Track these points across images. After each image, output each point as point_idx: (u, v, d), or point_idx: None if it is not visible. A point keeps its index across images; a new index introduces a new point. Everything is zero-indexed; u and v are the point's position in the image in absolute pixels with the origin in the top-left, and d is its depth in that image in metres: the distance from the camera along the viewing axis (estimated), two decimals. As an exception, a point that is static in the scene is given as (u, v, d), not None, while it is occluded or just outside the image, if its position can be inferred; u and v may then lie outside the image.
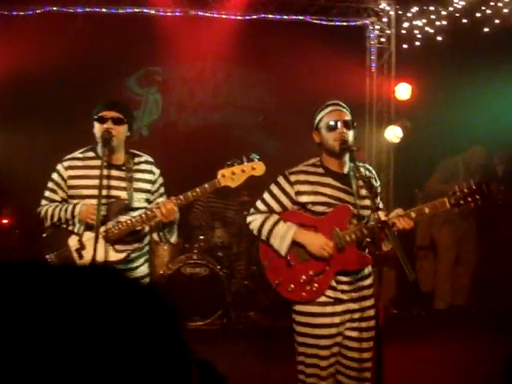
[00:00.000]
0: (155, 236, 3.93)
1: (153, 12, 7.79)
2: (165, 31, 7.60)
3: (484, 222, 7.57)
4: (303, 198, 3.64)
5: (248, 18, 7.99)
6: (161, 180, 4.01)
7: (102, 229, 3.68)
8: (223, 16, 7.94)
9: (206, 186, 3.70)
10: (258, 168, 3.73)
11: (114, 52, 7.68)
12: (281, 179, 3.69)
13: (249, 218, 3.75)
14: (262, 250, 3.75)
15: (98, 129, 3.80)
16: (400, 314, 7.19)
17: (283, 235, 3.59)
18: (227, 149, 7.66)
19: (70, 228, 3.82)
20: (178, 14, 7.82)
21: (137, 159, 3.96)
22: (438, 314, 7.42)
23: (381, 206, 3.67)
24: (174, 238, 3.96)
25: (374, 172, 3.85)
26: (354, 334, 3.65)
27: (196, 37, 7.68)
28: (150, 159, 4.02)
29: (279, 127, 8.29)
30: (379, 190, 3.84)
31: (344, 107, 3.73)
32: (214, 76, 8.41)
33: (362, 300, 3.66)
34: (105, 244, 3.73)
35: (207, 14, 7.90)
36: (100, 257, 3.71)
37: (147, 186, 3.93)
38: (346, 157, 3.65)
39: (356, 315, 3.65)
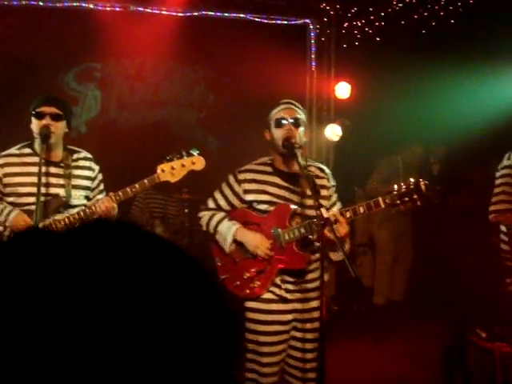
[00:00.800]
0: None
1: (91, 6, 7.62)
2: (104, 26, 7.44)
3: (420, 221, 7.76)
4: (249, 197, 3.69)
5: (188, 14, 7.93)
6: (100, 177, 3.96)
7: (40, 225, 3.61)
8: (164, 12, 7.86)
9: (146, 181, 3.69)
10: (197, 162, 3.75)
11: (51, 47, 7.48)
12: (230, 178, 3.74)
13: (199, 214, 3.82)
14: (214, 246, 3.78)
15: (35, 125, 3.72)
16: (340, 311, 7.29)
17: (226, 233, 3.64)
18: (168, 146, 7.55)
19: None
20: (117, 9, 7.69)
21: (75, 155, 3.89)
22: (377, 310, 7.58)
23: (338, 205, 3.71)
24: None
25: (327, 171, 3.86)
26: (298, 334, 3.69)
27: (136, 33, 7.56)
28: (89, 155, 3.96)
29: (220, 125, 8.27)
30: (334, 189, 3.85)
31: (297, 106, 3.75)
32: (154, 73, 8.30)
33: (307, 301, 3.69)
34: None
35: (147, 10, 7.80)
36: None
37: (86, 183, 3.87)
38: (298, 155, 3.63)
39: (301, 316, 3.68)
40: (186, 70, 8.43)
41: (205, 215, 3.76)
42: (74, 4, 7.53)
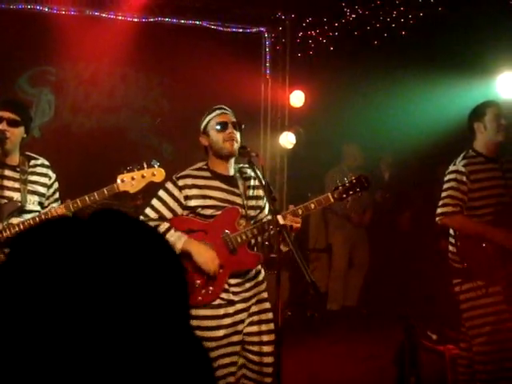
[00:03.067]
0: None
1: (46, 10, 7.55)
2: (59, 30, 7.37)
3: (375, 228, 7.94)
4: (192, 203, 3.68)
5: (144, 20, 7.93)
6: (56, 185, 3.96)
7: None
8: (119, 17, 7.84)
9: (105, 190, 3.70)
10: (158, 174, 3.77)
11: (3, 50, 7.38)
12: (169, 185, 3.71)
13: None
14: None
15: None
16: (294, 316, 7.37)
17: (173, 244, 3.57)
18: (122, 152, 7.58)
19: None
20: (72, 13, 7.63)
21: (32, 162, 3.89)
22: (331, 315, 7.69)
23: (300, 211, 3.75)
24: None
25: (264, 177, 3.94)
26: (254, 338, 3.74)
27: (91, 37, 7.52)
28: (47, 163, 3.96)
29: (174, 131, 8.28)
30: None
31: (230, 112, 3.85)
32: (109, 78, 8.25)
33: (259, 303, 3.75)
34: None
35: (103, 15, 7.76)
36: None
37: (42, 190, 3.87)
38: (232, 159, 3.76)
39: (255, 318, 3.73)
40: (141, 76, 8.41)
41: None
42: (29, 7, 7.45)
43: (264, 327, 3.74)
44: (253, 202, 3.79)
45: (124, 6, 7.70)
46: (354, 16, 7.89)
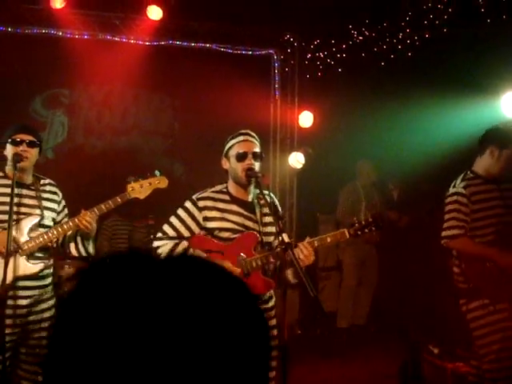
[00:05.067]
0: (73, 250, 4.08)
1: (60, 34, 7.73)
2: (72, 53, 7.55)
3: (385, 246, 7.97)
4: (211, 224, 3.75)
5: (156, 43, 8.09)
6: (64, 202, 4.25)
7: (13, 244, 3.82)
8: (131, 41, 8.01)
9: (118, 198, 3.96)
10: (161, 182, 4.12)
11: (19, 73, 7.56)
12: (189, 204, 3.78)
13: (156, 243, 3.78)
14: None
15: (10, 150, 3.97)
16: (304, 334, 7.41)
17: None
18: (134, 173, 7.66)
19: None
20: (86, 36, 7.81)
21: (42, 181, 4.18)
22: (341, 333, 7.71)
23: (316, 243, 3.83)
24: (91, 249, 4.13)
25: (275, 199, 4.02)
26: None
27: (104, 60, 7.68)
28: (53, 182, 4.26)
29: (185, 152, 8.40)
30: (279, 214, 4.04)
31: (254, 137, 3.88)
32: (121, 100, 8.41)
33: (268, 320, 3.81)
34: (19, 258, 3.84)
35: (116, 39, 7.94)
36: (22, 271, 3.87)
37: (54, 206, 4.15)
38: (252, 185, 3.81)
39: None
40: (153, 98, 8.56)
41: (166, 244, 3.73)
42: (43, 31, 7.63)
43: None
44: (268, 229, 3.84)
45: (136, 30, 7.86)
46: (360, 38, 8.01)
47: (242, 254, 3.72)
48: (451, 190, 4.45)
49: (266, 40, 8.51)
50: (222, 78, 7.79)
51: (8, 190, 3.85)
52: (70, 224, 3.92)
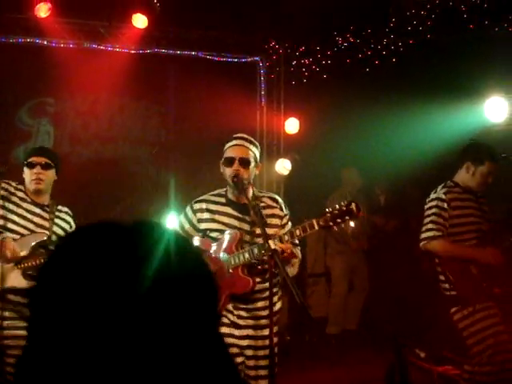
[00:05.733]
0: None
1: (45, 43, 7.71)
2: (58, 62, 7.52)
3: (373, 251, 7.99)
4: (202, 226, 3.92)
5: (141, 52, 8.09)
6: None
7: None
8: (117, 49, 8.00)
9: None
10: None
11: (4, 82, 7.53)
12: (187, 208, 4.00)
13: None
14: None
15: (27, 173, 4.13)
16: (293, 340, 7.40)
17: None
18: (121, 181, 7.68)
19: None
20: (71, 45, 7.79)
21: (60, 207, 4.27)
22: (331, 339, 7.71)
23: (286, 237, 3.76)
24: None
25: (280, 201, 4.05)
26: (251, 362, 3.80)
27: (90, 69, 7.66)
28: (71, 212, 4.35)
29: (172, 159, 8.39)
30: (287, 218, 4.05)
31: (248, 141, 3.96)
32: (107, 108, 8.39)
33: (259, 328, 3.82)
34: (16, 270, 3.86)
35: (101, 47, 7.92)
36: (12, 283, 3.85)
37: (63, 234, 4.16)
38: (247, 192, 3.87)
39: (255, 343, 3.80)
40: (139, 106, 8.55)
41: None
42: (28, 40, 7.60)
43: (261, 352, 3.81)
44: (261, 231, 3.79)
45: (121, 38, 7.85)
46: (345, 44, 8.06)
47: (223, 253, 3.82)
48: (432, 196, 4.55)
49: (252, 47, 8.52)
50: (207, 86, 7.80)
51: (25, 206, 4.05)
52: None
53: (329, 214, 3.65)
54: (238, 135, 4.00)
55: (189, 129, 8.18)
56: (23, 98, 8.05)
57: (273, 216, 3.93)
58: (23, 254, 3.92)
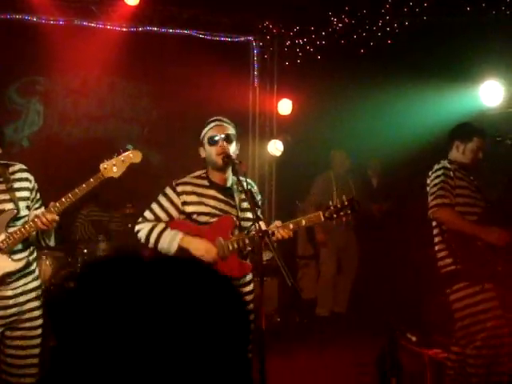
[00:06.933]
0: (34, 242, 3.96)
1: (35, 19, 7.59)
2: (47, 40, 7.40)
3: (365, 234, 7.97)
4: (189, 208, 3.85)
5: (133, 30, 7.99)
6: (36, 186, 4.02)
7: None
8: (108, 27, 7.89)
9: (91, 179, 3.82)
10: (135, 156, 3.93)
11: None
12: (168, 190, 3.89)
13: (137, 227, 3.90)
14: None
15: None
16: (283, 322, 7.40)
17: (170, 241, 3.76)
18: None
19: None
20: (61, 22, 7.67)
21: (11, 169, 3.93)
22: (320, 321, 7.72)
23: (291, 226, 3.81)
24: (52, 242, 4.01)
25: (255, 186, 4.09)
26: None
27: (80, 47, 7.55)
28: (24, 166, 4.01)
29: (163, 139, 8.33)
30: (260, 203, 4.07)
31: (226, 122, 3.96)
32: (98, 87, 8.30)
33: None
34: (1, 256, 3.74)
35: (92, 25, 7.81)
36: (3, 270, 3.75)
37: (27, 194, 3.93)
38: (229, 170, 3.88)
39: None
40: (130, 85, 8.47)
41: (143, 228, 3.86)
42: (17, 16, 7.48)
43: None
44: (246, 214, 3.90)
45: (112, 16, 7.75)
46: (340, 25, 7.97)
47: (219, 238, 3.77)
48: (437, 166, 4.53)
49: (245, 27, 8.44)
50: (200, 65, 7.73)
51: None
52: (37, 222, 3.72)
53: (333, 208, 3.79)
54: (214, 118, 3.99)
55: (180, 109, 8.10)
56: (12, 77, 7.95)
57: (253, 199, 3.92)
58: (1, 238, 3.78)
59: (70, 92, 8.20)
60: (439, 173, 4.46)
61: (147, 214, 3.90)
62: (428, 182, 4.54)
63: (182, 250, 3.75)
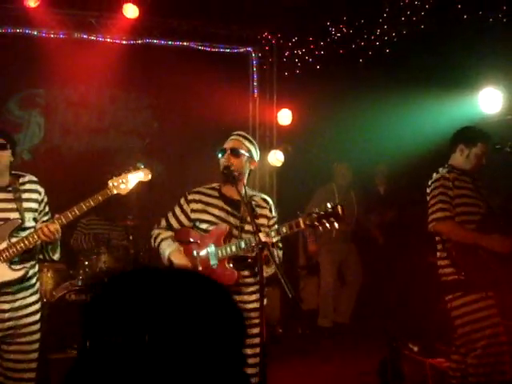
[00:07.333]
0: (39, 255, 3.96)
1: (35, 33, 7.62)
2: (47, 53, 7.43)
3: (368, 243, 7.94)
4: (194, 216, 4.01)
5: (133, 42, 8.02)
6: (46, 199, 4.05)
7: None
8: (108, 40, 7.92)
9: (99, 196, 3.85)
10: (145, 174, 4.00)
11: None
12: (182, 198, 4.08)
13: (151, 233, 4.14)
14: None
15: None
16: (285, 333, 7.38)
17: (163, 252, 3.97)
18: (112, 173, 7.60)
19: None
20: (61, 36, 7.71)
21: (21, 179, 3.99)
22: (322, 332, 7.69)
23: (274, 239, 3.76)
24: (57, 255, 4.03)
25: (270, 203, 4.12)
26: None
27: (80, 60, 7.58)
28: (34, 178, 4.06)
29: (164, 151, 8.34)
30: (274, 220, 4.10)
31: (243, 137, 4.07)
32: (98, 100, 8.32)
33: (248, 319, 3.81)
34: (1, 265, 3.75)
35: (91, 38, 7.84)
36: (2, 278, 3.75)
37: (35, 206, 3.96)
38: (241, 184, 3.96)
39: None
40: (130, 98, 8.49)
41: (153, 234, 4.08)
42: (18, 30, 7.52)
43: (248, 351, 3.81)
44: (250, 227, 3.85)
45: (112, 29, 7.78)
46: (338, 35, 8.00)
47: (211, 244, 3.89)
48: (435, 176, 4.49)
49: (244, 38, 8.47)
50: (200, 77, 7.74)
51: None
52: (39, 234, 3.74)
53: (315, 214, 3.64)
54: (236, 132, 4.11)
55: (181, 120, 8.12)
56: (12, 90, 7.97)
57: (261, 216, 3.98)
58: (2, 246, 3.78)
59: (70, 104, 8.22)
60: (437, 184, 4.43)
61: (162, 220, 4.12)
62: (428, 191, 4.52)
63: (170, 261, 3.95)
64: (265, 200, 4.08)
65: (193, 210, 4.00)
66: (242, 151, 3.98)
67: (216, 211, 3.97)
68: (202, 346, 1.11)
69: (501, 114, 6.56)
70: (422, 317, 6.14)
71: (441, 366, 4.79)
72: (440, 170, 4.54)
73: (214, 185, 4.09)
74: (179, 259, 3.92)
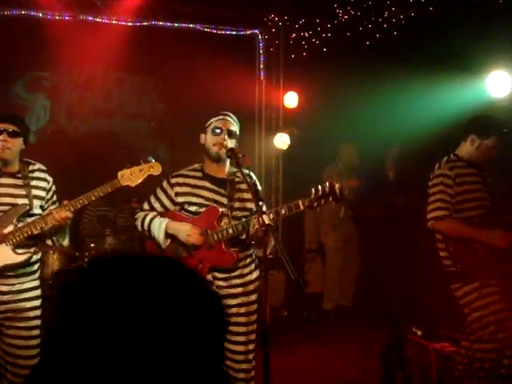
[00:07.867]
0: (48, 240, 4.00)
1: (40, 15, 7.59)
2: (53, 35, 7.39)
3: (367, 226, 7.95)
4: (180, 199, 4.03)
5: (138, 24, 7.97)
6: (54, 188, 4.10)
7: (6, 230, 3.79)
8: (113, 22, 7.88)
9: (108, 186, 3.89)
10: (155, 168, 4.01)
11: (-1, 56, 7.43)
12: (164, 182, 4.10)
13: (135, 216, 4.16)
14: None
15: None
16: (290, 316, 7.41)
17: (158, 228, 3.96)
18: (118, 155, 7.60)
19: None
20: (66, 17, 7.67)
21: (31, 167, 4.04)
22: (327, 315, 7.73)
23: (271, 215, 3.83)
24: (66, 241, 4.10)
25: (254, 177, 4.14)
26: (242, 328, 3.95)
27: (85, 42, 7.55)
28: (43, 167, 4.12)
29: (169, 134, 8.32)
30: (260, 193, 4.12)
31: (233, 119, 4.10)
32: (104, 82, 8.29)
33: (246, 295, 3.99)
34: (5, 248, 3.80)
35: (97, 20, 7.80)
36: (5, 261, 3.81)
37: (43, 194, 4.02)
38: (227, 163, 4.05)
39: (246, 309, 3.97)
40: (136, 80, 8.46)
41: (139, 216, 4.10)
42: (22, 12, 7.48)
43: (242, 328, 3.90)
44: (239, 204, 4.00)
45: (118, 11, 7.73)
46: (346, 17, 7.93)
47: (205, 228, 3.91)
48: (436, 172, 4.43)
49: (251, 20, 8.41)
50: (206, 59, 7.70)
51: None
52: (46, 218, 3.82)
53: (313, 196, 3.76)
54: (224, 112, 4.13)
55: (187, 103, 8.08)
56: (19, 72, 7.94)
57: (247, 191, 3.99)
58: (8, 230, 3.81)
59: (76, 87, 8.20)
60: (438, 181, 4.37)
61: (144, 204, 4.14)
62: (429, 184, 4.48)
63: (169, 236, 3.95)
64: (249, 176, 4.06)
65: (178, 194, 4.02)
66: (238, 133, 4.08)
67: (204, 192, 4.00)
68: (176, 338, 1.08)
69: (510, 97, 6.51)
70: (427, 301, 6.15)
71: (445, 351, 4.79)
72: (443, 162, 4.46)
73: (196, 166, 4.12)
74: (181, 227, 3.93)
